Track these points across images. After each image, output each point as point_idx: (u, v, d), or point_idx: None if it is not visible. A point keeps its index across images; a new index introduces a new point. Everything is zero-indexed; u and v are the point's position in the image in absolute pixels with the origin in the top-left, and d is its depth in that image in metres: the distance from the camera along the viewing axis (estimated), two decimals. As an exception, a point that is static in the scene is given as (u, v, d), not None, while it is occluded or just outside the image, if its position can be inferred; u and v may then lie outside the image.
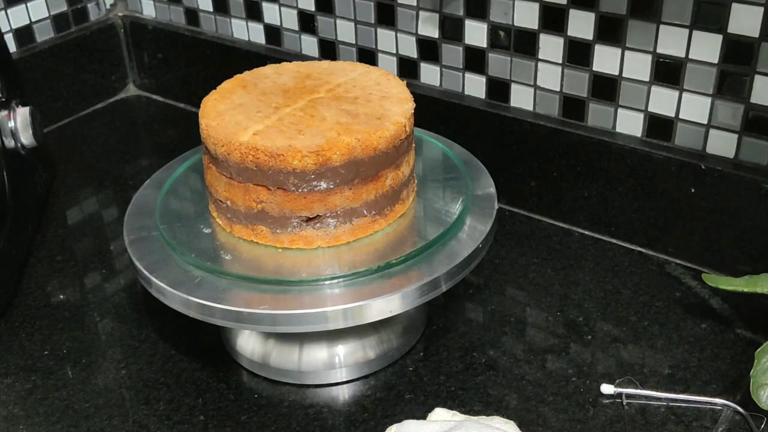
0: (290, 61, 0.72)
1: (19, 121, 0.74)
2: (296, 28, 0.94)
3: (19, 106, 0.75)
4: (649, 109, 0.74)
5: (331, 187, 0.60)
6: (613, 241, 0.79)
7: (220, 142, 0.60)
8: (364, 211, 0.62)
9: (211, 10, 1.00)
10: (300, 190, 0.60)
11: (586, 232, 0.80)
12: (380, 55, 0.88)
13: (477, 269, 0.67)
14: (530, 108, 0.81)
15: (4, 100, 0.72)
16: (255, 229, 0.62)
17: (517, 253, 0.78)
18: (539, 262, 0.77)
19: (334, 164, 0.59)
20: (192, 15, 1.03)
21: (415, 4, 0.83)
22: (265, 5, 0.95)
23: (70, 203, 0.88)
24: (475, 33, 0.81)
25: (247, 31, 0.98)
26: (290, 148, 0.58)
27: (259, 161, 0.59)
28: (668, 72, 0.72)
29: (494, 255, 0.77)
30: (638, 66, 0.73)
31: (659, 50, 0.71)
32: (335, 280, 0.59)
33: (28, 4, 0.97)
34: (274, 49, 0.97)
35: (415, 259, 0.61)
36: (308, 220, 0.61)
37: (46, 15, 0.99)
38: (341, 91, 0.66)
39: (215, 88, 0.67)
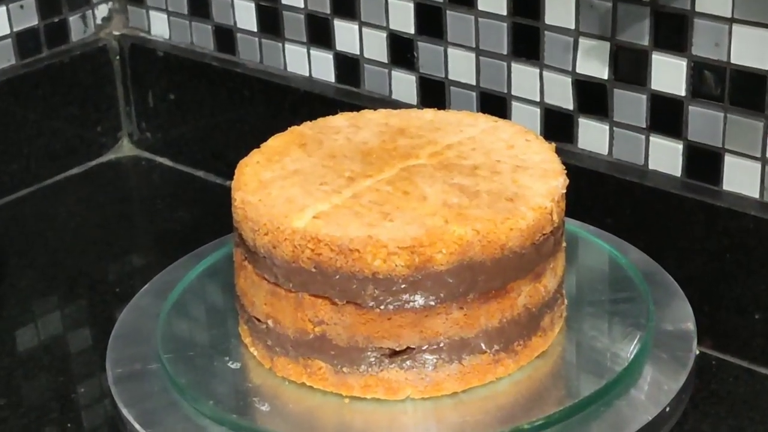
0: (374, 109, 0.76)
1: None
2: (384, 59, 0.98)
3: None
4: None
5: (432, 304, 0.62)
6: None
7: (264, 227, 0.64)
8: (482, 345, 0.64)
9: (255, 29, 1.05)
10: (382, 308, 0.62)
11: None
12: (515, 104, 0.91)
13: (663, 448, 0.68)
14: (755, 195, 0.81)
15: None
16: (309, 366, 0.65)
17: (730, 426, 0.78)
18: (765, 442, 0.77)
19: (438, 268, 0.61)
20: (225, 36, 1.08)
21: (573, 27, 0.86)
22: (337, 24, 0.99)
23: (21, 320, 0.91)
24: (666, 75, 0.83)
25: (308, 62, 1.03)
26: (370, 240, 0.61)
27: (320, 259, 0.62)
28: None
29: (692, 426, 0.77)
30: None
31: None
32: (433, 455, 0.61)
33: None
34: (349, 90, 1.01)
35: (561, 425, 0.62)
36: (393, 354, 0.63)
37: (8, 32, 1.05)
38: (453, 156, 0.69)
39: (258, 147, 0.71)
